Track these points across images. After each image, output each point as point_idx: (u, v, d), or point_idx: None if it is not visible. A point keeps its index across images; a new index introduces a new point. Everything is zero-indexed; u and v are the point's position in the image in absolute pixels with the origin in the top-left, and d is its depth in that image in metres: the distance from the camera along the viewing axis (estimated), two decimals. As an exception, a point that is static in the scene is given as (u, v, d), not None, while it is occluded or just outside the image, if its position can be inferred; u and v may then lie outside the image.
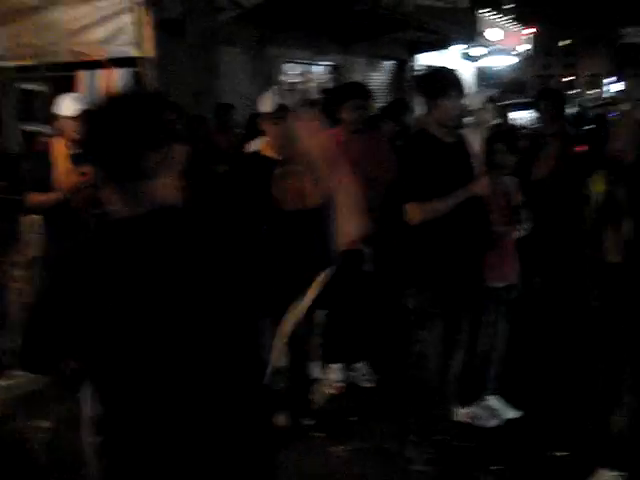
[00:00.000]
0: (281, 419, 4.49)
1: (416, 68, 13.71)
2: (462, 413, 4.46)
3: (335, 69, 11.88)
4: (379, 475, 3.97)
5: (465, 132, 5.20)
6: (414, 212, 3.76)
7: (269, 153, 4.09)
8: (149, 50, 4.98)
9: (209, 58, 9.51)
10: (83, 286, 1.74)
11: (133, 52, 5.03)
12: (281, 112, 3.99)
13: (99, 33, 5.18)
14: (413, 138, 4.10)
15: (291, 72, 11.04)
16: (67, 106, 4.62)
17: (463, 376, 4.30)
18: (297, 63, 11.14)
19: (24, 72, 5.77)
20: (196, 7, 8.94)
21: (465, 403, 4.47)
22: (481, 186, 3.77)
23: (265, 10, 9.23)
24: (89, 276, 1.74)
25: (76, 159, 4.64)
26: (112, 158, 1.76)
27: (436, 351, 3.92)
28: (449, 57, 14.75)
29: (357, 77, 11.27)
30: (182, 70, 9.10)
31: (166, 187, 1.80)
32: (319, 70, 11.75)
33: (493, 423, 4.45)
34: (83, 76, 5.27)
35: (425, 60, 13.82)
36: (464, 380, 4.34)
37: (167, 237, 1.76)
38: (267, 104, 4.04)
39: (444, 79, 3.82)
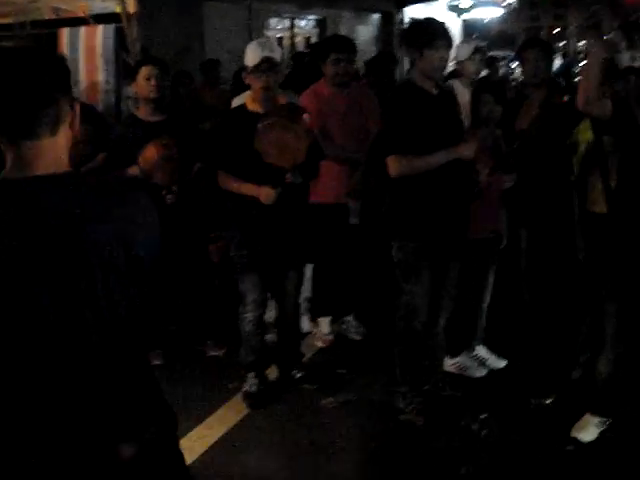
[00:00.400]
0: (272, 371, 4.58)
1: (403, 21, 13.61)
2: (450, 364, 4.53)
3: (321, 23, 11.79)
4: (369, 426, 4.03)
5: (453, 84, 5.21)
6: (395, 165, 3.75)
7: (253, 107, 4.06)
8: (131, 5, 4.91)
9: (194, 13, 9.42)
10: None
11: (116, 8, 4.96)
12: (265, 65, 3.95)
13: (80, -11, 5.13)
14: (398, 90, 4.08)
15: (277, 26, 10.97)
16: None
17: (451, 327, 4.36)
18: (282, 17, 11.05)
19: (5, 30, 5.71)
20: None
21: (453, 354, 4.53)
22: (468, 149, 3.75)
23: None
24: None
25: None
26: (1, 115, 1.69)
27: (423, 303, 3.94)
28: (436, 9, 14.62)
29: (343, 31, 11.17)
30: (167, 26, 9.02)
31: (58, 148, 1.74)
32: (305, 24, 11.67)
33: (481, 373, 4.51)
34: (65, 33, 5.21)
35: (412, 13, 13.70)
36: (452, 331, 4.39)
37: (30, 210, 1.64)
38: (251, 57, 3.99)
39: (430, 29, 3.77)
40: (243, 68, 4.16)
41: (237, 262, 4.24)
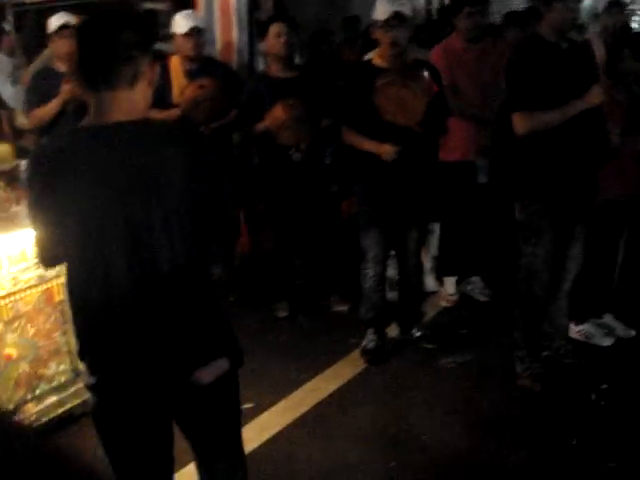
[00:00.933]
0: (392, 329, 4.59)
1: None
2: (576, 331, 4.38)
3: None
4: (484, 388, 3.97)
5: (590, 37, 4.94)
6: (522, 122, 3.61)
7: (379, 63, 4.03)
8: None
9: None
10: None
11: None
12: (394, 20, 3.90)
13: (216, -51, 5.22)
14: (523, 43, 3.91)
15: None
16: (179, 24, 4.72)
17: (578, 293, 4.20)
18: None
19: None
20: None
21: (579, 320, 4.37)
22: (595, 96, 3.55)
23: None
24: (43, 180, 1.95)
25: (192, 74, 4.76)
26: (85, 68, 1.97)
27: (544, 266, 3.81)
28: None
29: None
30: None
31: (134, 99, 1.98)
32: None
33: (607, 342, 4.34)
34: (201, -8, 5.35)
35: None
36: (579, 297, 4.24)
37: (106, 151, 1.92)
38: (380, 11, 3.95)
39: None
40: (369, 25, 4.13)
41: (359, 218, 4.28)
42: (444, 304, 5.05)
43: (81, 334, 2.10)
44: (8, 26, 7.10)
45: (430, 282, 5.19)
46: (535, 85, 3.55)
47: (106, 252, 1.95)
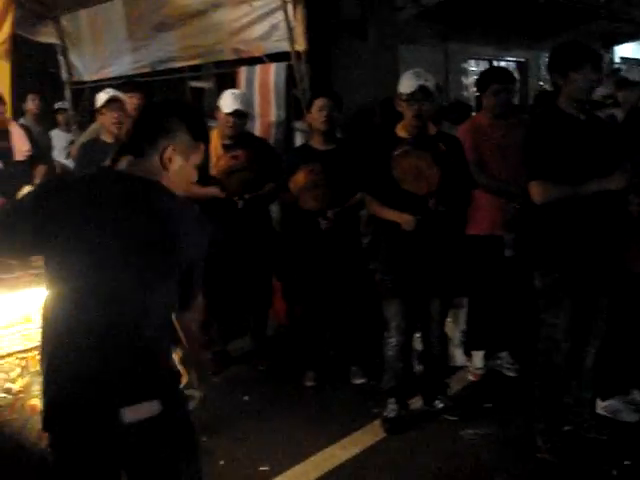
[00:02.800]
0: (416, 401, 4.58)
1: (613, 61, 13.09)
2: (602, 405, 4.29)
3: (521, 65, 11.63)
4: (503, 461, 3.91)
5: (614, 112, 5.02)
6: (539, 191, 3.67)
7: (402, 134, 4.17)
8: (301, 44, 5.21)
9: (391, 55, 9.67)
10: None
11: (287, 47, 5.28)
12: (418, 94, 4.06)
13: (257, 31, 5.51)
14: (541, 114, 3.99)
15: (474, 69, 10.97)
16: (225, 102, 4.95)
17: (604, 366, 4.15)
18: (480, 59, 11.03)
19: (193, 71, 6.24)
20: (376, 7, 9.13)
21: (605, 396, 4.30)
22: (617, 182, 3.58)
23: (447, 6, 9.25)
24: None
25: (229, 148, 4.97)
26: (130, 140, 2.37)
27: (565, 337, 3.80)
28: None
29: (545, 72, 10.96)
30: (365, 67, 9.35)
31: (153, 166, 2.27)
32: (504, 66, 11.54)
33: (634, 418, 4.23)
34: (243, 72, 5.62)
35: (622, 52, 13.15)
36: (606, 372, 4.18)
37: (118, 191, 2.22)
38: (406, 85, 4.11)
39: (575, 51, 3.68)
40: (391, 97, 4.29)
41: (382, 287, 4.34)
42: (471, 378, 5.02)
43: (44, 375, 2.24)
44: (66, 104, 7.53)
45: (458, 356, 5.17)
46: (552, 154, 3.62)
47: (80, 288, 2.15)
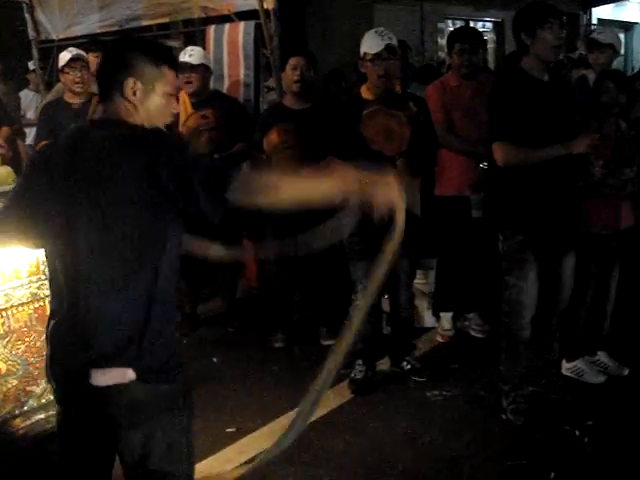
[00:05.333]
0: (382, 363, 4.60)
1: (590, 22, 13.04)
2: (567, 367, 4.34)
3: (498, 26, 11.54)
4: (468, 422, 3.95)
5: (587, 74, 5.01)
6: (503, 153, 3.65)
7: (367, 95, 4.13)
8: (270, 2, 5.12)
9: (365, 15, 9.58)
10: None
11: (256, 5, 5.19)
12: (386, 52, 4.00)
13: (225, -12, 5.42)
14: (504, 76, 3.97)
15: (450, 29, 10.87)
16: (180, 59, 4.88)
17: (571, 329, 4.18)
18: (456, 20, 10.94)
19: (162, 30, 6.14)
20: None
21: (571, 357, 4.34)
22: (580, 145, 3.57)
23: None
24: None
25: (198, 107, 4.91)
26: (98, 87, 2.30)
27: (529, 299, 3.81)
28: (627, 10, 13.86)
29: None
30: (338, 27, 9.27)
31: (120, 107, 2.19)
32: (480, 27, 11.46)
33: (599, 380, 4.28)
34: (212, 30, 5.53)
35: (600, 14, 13.09)
36: (572, 334, 4.22)
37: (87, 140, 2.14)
38: (371, 45, 4.05)
39: (541, 9, 3.63)
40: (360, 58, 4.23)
41: (349, 249, 4.32)
42: (439, 339, 5.05)
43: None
44: (34, 63, 7.38)
45: (427, 317, 5.20)
46: (515, 116, 3.59)
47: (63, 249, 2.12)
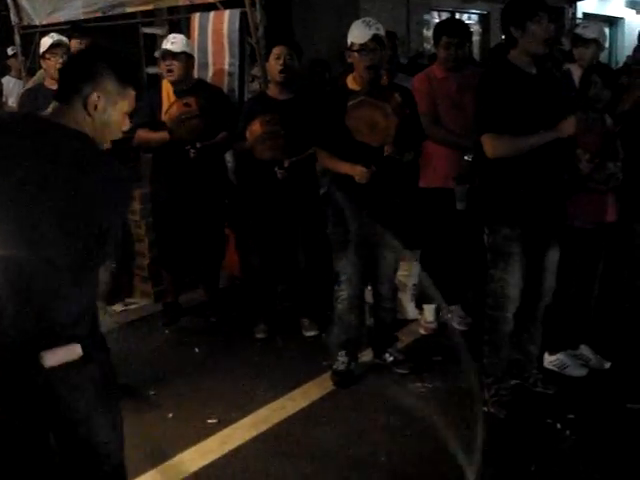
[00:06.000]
0: (365, 354, 4.59)
1: (576, 16, 13.05)
2: (549, 360, 4.35)
3: (484, 18, 11.52)
4: (450, 414, 3.93)
5: (571, 68, 5.01)
6: (490, 144, 3.63)
7: (353, 86, 4.09)
8: (256, -10, 5.09)
9: (351, 6, 9.52)
10: None
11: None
12: (372, 43, 3.97)
13: (212, -25, 5.36)
14: (492, 68, 3.95)
15: (436, 20, 10.83)
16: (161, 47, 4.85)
17: (553, 322, 4.19)
18: (442, 11, 10.89)
19: (146, 17, 6.08)
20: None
21: (553, 350, 4.34)
22: (568, 127, 3.57)
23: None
24: None
25: (181, 96, 4.86)
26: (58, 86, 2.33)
27: (513, 291, 3.81)
28: (612, 5, 13.89)
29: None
30: (323, 18, 9.21)
31: (77, 114, 2.21)
32: (466, 19, 11.43)
33: (581, 373, 4.29)
34: (196, 18, 5.47)
35: (585, 8, 13.11)
36: (554, 326, 4.22)
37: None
38: (358, 36, 4.01)
39: (531, 2, 3.62)
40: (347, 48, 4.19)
41: (333, 240, 4.30)
42: (422, 332, 5.04)
43: None
44: (13, 49, 7.30)
45: (411, 310, 5.19)
46: (503, 108, 3.58)
47: None
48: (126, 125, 2.33)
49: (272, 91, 4.83)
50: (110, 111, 2.24)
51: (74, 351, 2.12)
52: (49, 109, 2.30)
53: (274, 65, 4.69)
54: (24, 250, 2.03)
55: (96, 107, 2.20)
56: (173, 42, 4.83)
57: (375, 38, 3.97)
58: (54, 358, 2.09)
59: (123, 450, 2.39)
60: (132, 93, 2.30)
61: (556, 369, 4.32)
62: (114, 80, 2.23)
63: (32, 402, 2.17)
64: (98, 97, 2.19)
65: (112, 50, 2.36)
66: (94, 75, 2.20)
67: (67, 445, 2.27)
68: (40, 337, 2.09)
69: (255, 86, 5.72)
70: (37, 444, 2.26)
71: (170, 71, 4.85)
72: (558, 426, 3.76)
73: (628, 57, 7.69)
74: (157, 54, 4.84)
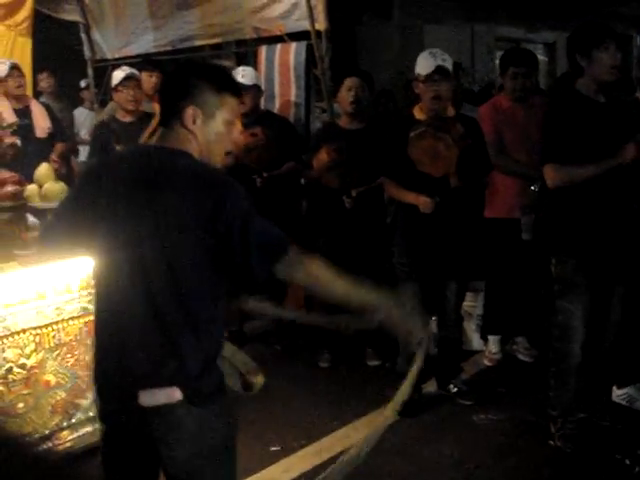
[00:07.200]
0: (430, 385, 4.56)
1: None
2: (617, 394, 4.25)
3: (550, 47, 11.42)
4: (516, 446, 3.89)
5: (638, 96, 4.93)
6: (553, 173, 3.61)
7: (420, 116, 4.12)
8: (321, 23, 5.16)
9: (415, 37, 9.58)
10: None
11: (307, 26, 5.24)
12: (436, 74, 4.00)
13: (277, 9, 5.47)
14: (559, 97, 3.93)
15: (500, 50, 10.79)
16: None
17: (622, 355, 4.10)
18: (508, 41, 10.84)
19: (214, 50, 6.23)
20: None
21: (622, 384, 4.25)
22: (629, 153, 3.52)
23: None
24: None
25: (248, 125, 4.96)
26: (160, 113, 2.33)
27: (580, 323, 3.75)
28: (683, 32, 13.61)
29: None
30: (389, 49, 9.28)
31: (180, 134, 2.21)
32: (532, 48, 11.34)
33: (647, 405, 4.19)
34: (263, 51, 5.59)
35: (654, 35, 12.90)
36: (622, 359, 4.14)
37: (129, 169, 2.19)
38: (423, 66, 4.05)
39: (599, 30, 3.61)
40: (414, 78, 4.23)
41: (398, 270, 4.31)
42: (487, 363, 4.99)
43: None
44: (87, 81, 7.55)
45: (475, 340, 5.15)
46: (568, 138, 3.55)
47: (114, 267, 2.15)
48: (232, 137, 2.31)
49: (343, 121, 4.91)
50: (211, 123, 2.19)
51: (172, 395, 2.11)
52: (155, 137, 2.32)
53: (345, 96, 4.77)
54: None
55: (194, 121, 2.17)
56: (244, 75, 4.94)
57: (439, 69, 4.00)
58: (151, 398, 2.12)
59: None
60: (232, 99, 2.23)
61: (625, 403, 4.22)
62: (209, 89, 2.18)
63: (134, 430, 2.21)
64: (194, 110, 2.16)
65: (203, 63, 2.39)
66: (188, 90, 2.17)
67: None
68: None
69: (325, 117, 5.79)
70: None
71: (241, 103, 4.93)
72: (627, 462, 3.68)
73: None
74: None
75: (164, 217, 2.08)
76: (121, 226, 2.11)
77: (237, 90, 2.30)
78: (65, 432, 3.77)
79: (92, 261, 2.23)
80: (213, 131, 2.20)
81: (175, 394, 2.11)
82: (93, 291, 2.28)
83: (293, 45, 5.44)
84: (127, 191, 2.12)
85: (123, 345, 2.12)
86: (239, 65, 5.50)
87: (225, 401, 2.25)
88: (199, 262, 2.10)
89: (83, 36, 7.22)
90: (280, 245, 2.16)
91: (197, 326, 2.11)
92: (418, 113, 4.14)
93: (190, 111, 2.16)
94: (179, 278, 2.08)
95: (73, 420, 3.80)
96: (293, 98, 5.47)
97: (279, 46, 5.54)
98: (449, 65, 4.06)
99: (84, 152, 6.80)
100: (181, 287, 2.09)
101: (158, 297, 2.09)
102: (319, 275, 2.24)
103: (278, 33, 5.54)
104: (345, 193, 4.71)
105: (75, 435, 3.80)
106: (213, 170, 2.23)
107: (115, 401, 2.19)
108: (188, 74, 2.25)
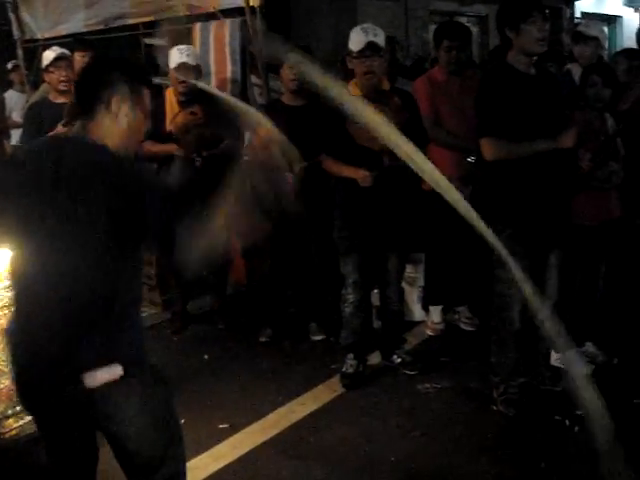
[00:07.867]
0: (374, 356, 4.62)
1: (574, 17, 13.06)
2: (556, 358, 4.36)
3: (482, 20, 11.53)
4: (459, 413, 3.98)
5: (571, 68, 5.04)
6: (489, 148, 3.67)
7: (355, 92, 4.13)
8: (255, 0, 5.13)
9: (348, 10, 9.56)
10: None
11: (241, 2, 5.20)
12: (368, 50, 4.01)
13: (211, -15, 5.43)
14: (490, 70, 3.99)
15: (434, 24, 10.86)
16: (172, 59, 4.89)
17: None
18: (441, 15, 10.91)
19: (147, 28, 6.14)
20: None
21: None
22: (568, 139, 3.60)
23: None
24: None
25: (184, 103, 4.91)
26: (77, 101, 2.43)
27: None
28: (610, 4, 13.90)
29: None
30: (321, 22, 9.25)
31: (103, 124, 2.29)
32: (465, 22, 11.44)
33: (587, 369, 4.31)
34: (197, 28, 5.53)
35: (583, 7, 13.12)
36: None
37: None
38: (355, 42, 4.07)
39: (525, 2, 3.66)
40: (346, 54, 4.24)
41: (339, 244, 4.34)
42: (429, 333, 5.07)
43: None
44: (15, 62, 7.36)
45: (417, 311, 5.22)
46: (502, 111, 3.61)
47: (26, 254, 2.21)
48: (146, 126, 2.41)
49: (285, 98, 4.89)
50: (132, 114, 2.31)
51: (115, 371, 2.17)
52: (76, 126, 2.37)
53: (287, 73, 4.75)
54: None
55: (120, 109, 2.27)
56: (188, 54, 4.89)
57: (370, 45, 4.01)
58: (96, 379, 2.15)
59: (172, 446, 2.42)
60: (146, 92, 2.37)
61: (563, 366, 4.34)
62: (129, 83, 2.31)
63: (74, 414, 2.25)
64: (117, 100, 2.27)
65: (118, 58, 2.47)
66: (109, 82, 2.28)
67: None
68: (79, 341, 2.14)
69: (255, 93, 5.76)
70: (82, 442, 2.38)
71: (183, 82, 4.88)
72: (567, 423, 3.79)
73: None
74: (172, 65, 4.87)
75: (67, 214, 2.14)
76: (26, 222, 2.18)
77: (150, 83, 2.46)
78: (10, 420, 3.72)
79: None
80: (134, 121, 2.32)
81: (117, 370, 2.16)
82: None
83: (228, 22, 5.39)
84: (34, 187, 2.18)
85: (33, 333, 2.17)
86: (174, 43, 5.41)
87: (153, 368, 2.37)
88: (98, 246, 2.15)
89: (11, 15, 7.02)
90: (171, 238, 2.24)
91: (108, 303, 2.17)
92: (353, 89, 4.15)
93: (116, 100, 2.28)
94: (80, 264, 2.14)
95: (18, 408, 3.73)
96: (229, 75, 5.43)
97: (213, 23, 5.49)
98: (381, 41, 4.07)
99: (16, 135, 6.64)
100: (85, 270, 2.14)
101: (65, 281, 2.14)
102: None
103: (212, 10, 5.48)
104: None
105: (20, 423, 3.74)
106: (124, 164, 2.28)
107: (47, 390, 2.21)
108: (106, 67, 2.37)
